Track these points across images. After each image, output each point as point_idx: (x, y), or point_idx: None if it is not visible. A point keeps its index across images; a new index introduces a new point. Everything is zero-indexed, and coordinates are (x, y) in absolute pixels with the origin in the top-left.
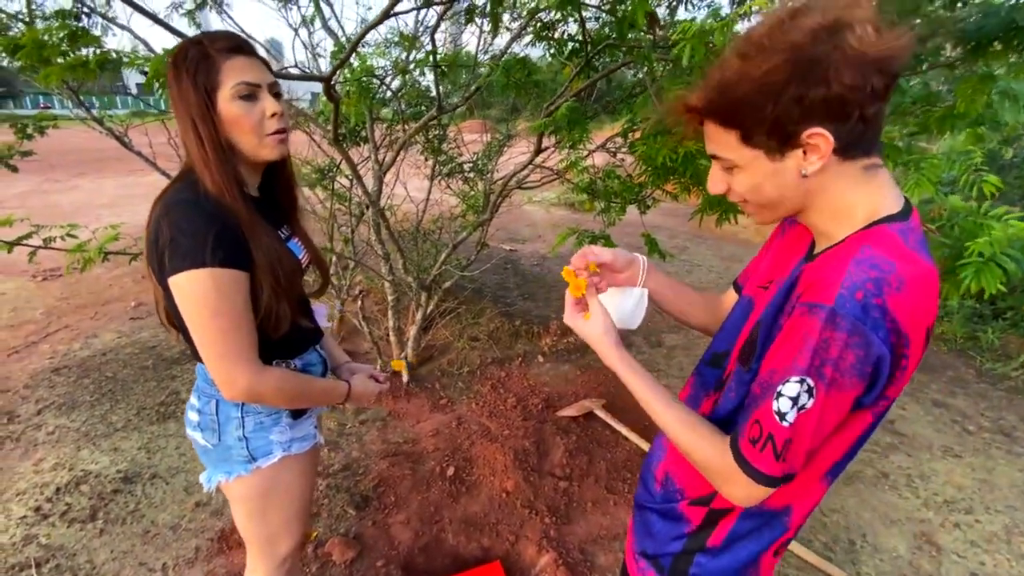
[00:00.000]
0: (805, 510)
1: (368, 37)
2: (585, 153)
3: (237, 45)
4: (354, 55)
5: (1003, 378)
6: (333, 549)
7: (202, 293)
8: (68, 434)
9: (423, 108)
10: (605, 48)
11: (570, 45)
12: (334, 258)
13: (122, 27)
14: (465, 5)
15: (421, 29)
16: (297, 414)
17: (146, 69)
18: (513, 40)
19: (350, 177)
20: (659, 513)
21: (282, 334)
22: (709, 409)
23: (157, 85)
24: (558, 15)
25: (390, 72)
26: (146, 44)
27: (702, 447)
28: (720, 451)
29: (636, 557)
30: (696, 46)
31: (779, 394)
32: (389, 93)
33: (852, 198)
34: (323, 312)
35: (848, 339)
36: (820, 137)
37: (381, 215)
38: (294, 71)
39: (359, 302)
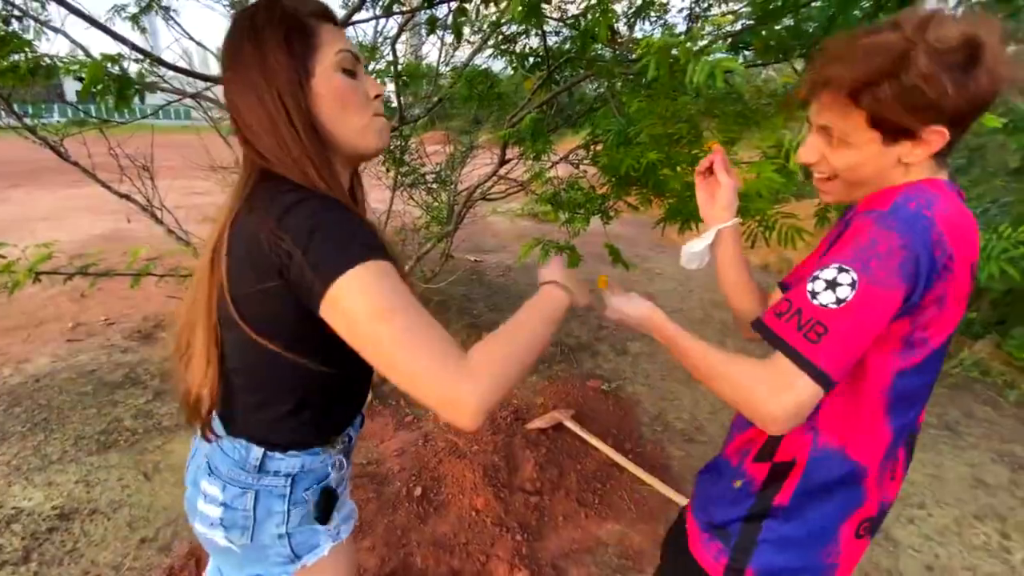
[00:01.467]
0: (875, 463)
1: None
2: (548, 165)
3: (326, 11)
4: None
5: (944, 375)
6: None
7: (376, 291)
8: None
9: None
10: (566, 62)
11: (531, 59)
12: None
13: (56, 31)
14: (426, 16)
15: (381, 39)
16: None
17: (83, 75)
18: (475, 52)
19: None
20: (720, 475)
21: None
22: None
23: (94, 92)
24: (519, 28)
25: None
26: (84, 50)
27: (741, 368)
28: (751, 362)
29: (700, 530)
30: (661, 60)
31: (815, 277)
32: None
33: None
34: None
35: (899, 238)
36: (939, 135)
37: None
38: None
39: None
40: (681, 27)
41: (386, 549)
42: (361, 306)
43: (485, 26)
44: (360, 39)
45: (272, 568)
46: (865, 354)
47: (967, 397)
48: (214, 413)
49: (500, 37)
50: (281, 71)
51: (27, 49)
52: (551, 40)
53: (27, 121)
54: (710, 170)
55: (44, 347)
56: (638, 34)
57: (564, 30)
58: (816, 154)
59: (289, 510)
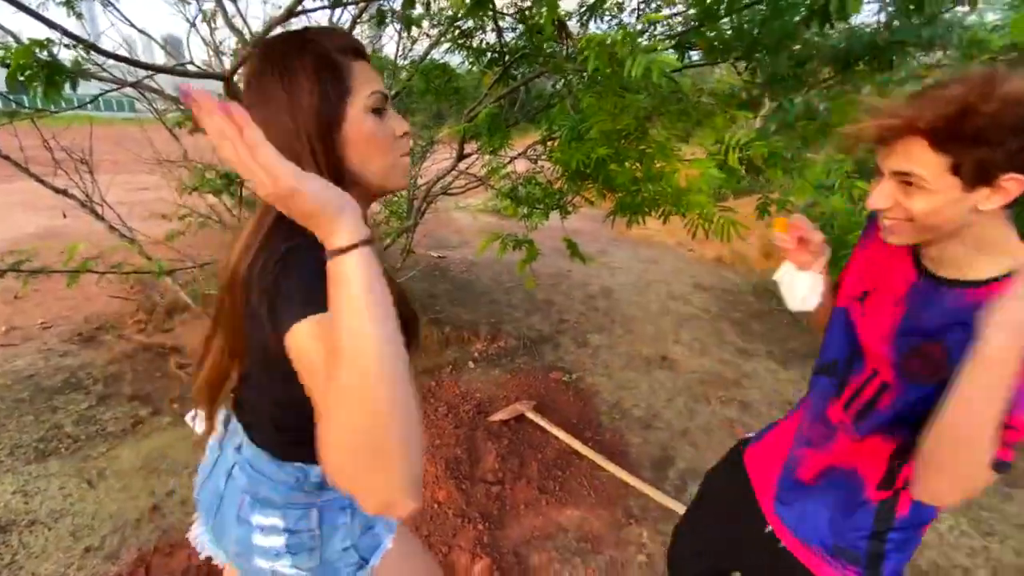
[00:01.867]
0: None
1: None
2: (507, 160)
3: (357, 47)
4: None
5: None
6: None
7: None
8: None
9: None
10: (522, 58)
11: (489, 55)
12: None
13: None
14: (376, 7)
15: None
16: None
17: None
18: (432, 46)
19: None
20: (833, 504)
21: None
22: (838, 416)
23: (22, 79)
24: (476, 23)
25: None
26: (15, 37)
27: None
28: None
29: (827, 555)
30: (600, 55)
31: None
32: None
33: (995, 235)
34: None
35: None
36: (1017, 183)
37: None
38: (191, 68)
39: None
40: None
41: None
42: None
43: (442, 20)
44: None
45: None
46: None
47: None
48: (247, 444)
49: (456, 32)
50: (313, 116)
51: None
52: (508, 36)
53: None
54: (800, 239)
55: None
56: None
57: (521, 26)
58: (890, 200)
59: (351, 521)
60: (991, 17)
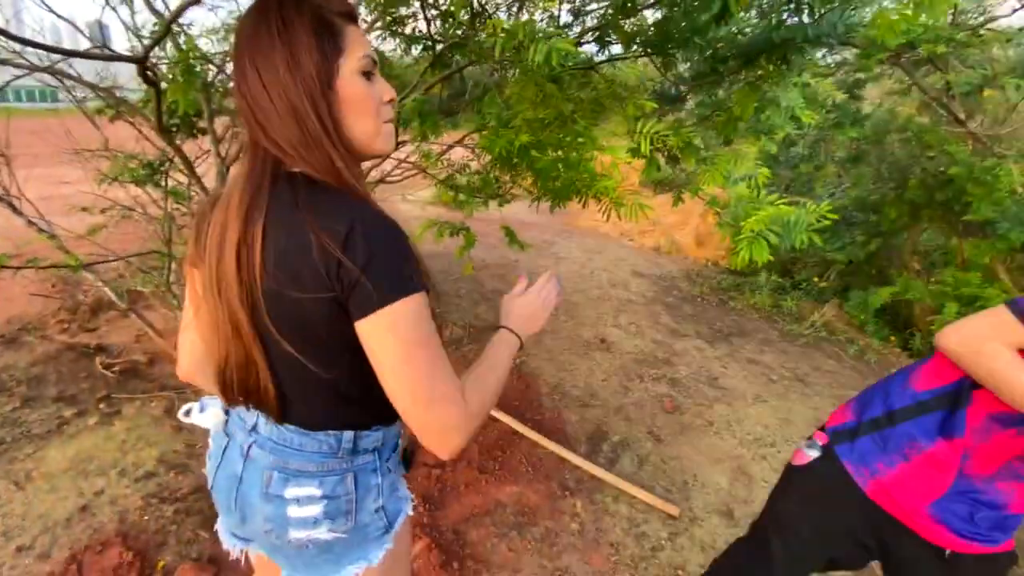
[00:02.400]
0: None
1: (207, 22)
2: (442, 148)
3: (350, 11)
4: (181, 38)
5: (799, 336)
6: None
7: (411, 325)
8: None
9: None
10: (454, 46)
11: (422, 43)
12: (174, 264)
13: None
14: None
15: None
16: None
17: None
18: (366, 32)
19: (186, 173)
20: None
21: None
22: None
23: None
24: (408, 11)
25: (227, 60)
26: None
27: None
28: None
29: (982, 542)
30: (505, 42)
31: None
32: (229, 84)
33: None
34: None
35: None
36: None
37: None
38: (106, 52)
39: None
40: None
41: None
42: (408, 333)
43: (375, 7)
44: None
45: (371, 545)
46: None
47: (816, 354)
48: (263, 423)
49: (389, 19)
50: (311, 70)
51: None
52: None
53: None
54: None
55: None
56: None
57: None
58: None
59: (381, 482)
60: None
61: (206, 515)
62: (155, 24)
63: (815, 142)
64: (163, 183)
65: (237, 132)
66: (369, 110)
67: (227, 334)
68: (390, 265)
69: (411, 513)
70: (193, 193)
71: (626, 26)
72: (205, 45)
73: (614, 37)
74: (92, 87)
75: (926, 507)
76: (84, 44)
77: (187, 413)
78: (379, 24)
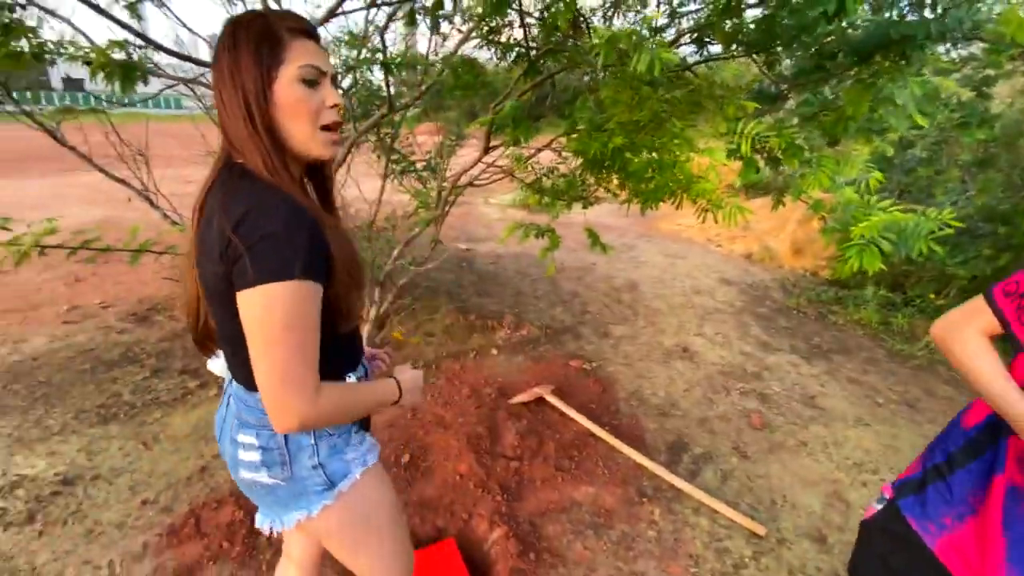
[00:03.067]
0: None
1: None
2: (532, 151)
3: (306, 28)
4: None
5: (910, 357)
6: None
7: (282, 310)
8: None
9: (375, 107)
10: (548, 53)
11: (516, 50)
12: None
13: (62, 19)
14: (409, 7)
15: (372, 28)
16: (365, 426)
17: (90, 60)
18: (462, 42)
19: None
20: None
21: (346, 331)
22: None
23: (102, 77)
24: (503, 20)
25: (339, 71)
26: (87, 37)
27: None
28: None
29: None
30: (609, 51)
31: None
32: (343, 92)
33: None
34: None
35: None
36: None
37: None
38: None
39: None
40: (662, 21)
41: None
42: (267, 316)
43: (471, 17)
44: (352, 28)
45: (313, 498)
46: None
47: (929, 377)
48: (231, 379)
49: (485, 28)
50: (248, 76)
51: (30, 36)
52: (535, 31)
53: (24, 107)
54: None
55: (41, 328)
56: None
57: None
58: None
59: (316, 443)
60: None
61: None
62: None
63: (936, 144)
64: None
65: (344, 138)
66: (302, 114)
67: (187, 289)
68: (274, 250)
69: (357, 476)
70: None
71: (727, 26)
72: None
73: (713, 38)
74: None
75: (1002, 566)
76: (205, 53)
77: (214, 361)
78: (475, 34)
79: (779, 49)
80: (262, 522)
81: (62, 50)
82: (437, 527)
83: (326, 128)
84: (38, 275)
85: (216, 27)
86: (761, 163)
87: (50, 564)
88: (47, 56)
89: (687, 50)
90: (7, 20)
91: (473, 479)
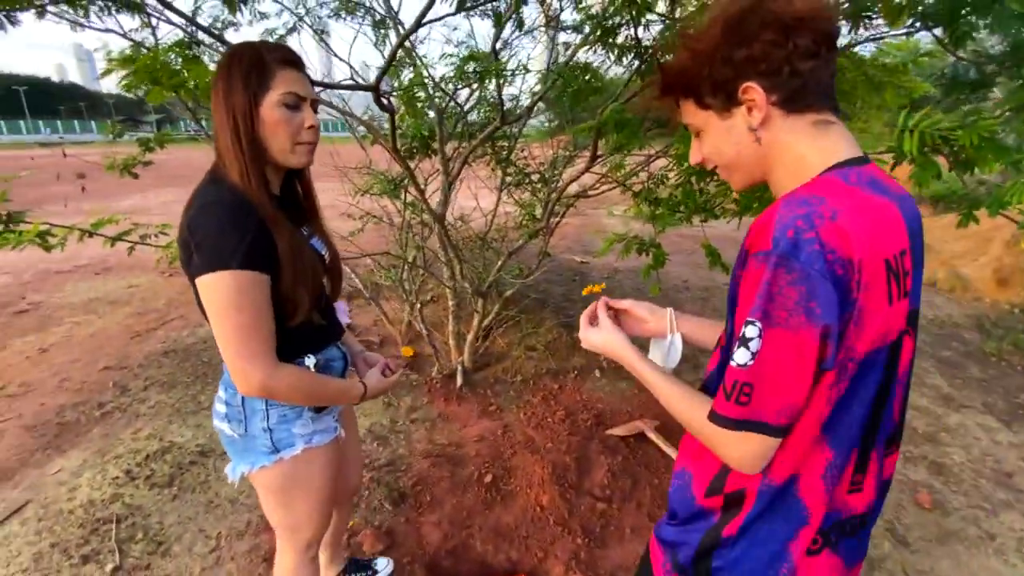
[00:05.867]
0: (814, 480)
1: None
2: (644, 158)
3: (291, 59)
4: (413, 67)
5: None
6: (364, 540)
7: (224, 293)
8: (164, 409)
9: (491, 120)
10: (665, 48)
11: (633, 51)
12: (406, 266)
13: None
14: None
15: (500, 44)
16: (319, 409)
17: None
18: (578, 48)
19: (415, 188)
20: (680, 511)
21: (298, 323)
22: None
23: None
24: (622, 20)
25: (458, 86)
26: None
27: (702, 420)
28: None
29: (659, 554)
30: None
31: (740, 339)
32: (458, 108)
33: (802, 150)
34: (343, 309)
35: (786, 277)
36: (752, 90)
37: (441, 224)
38: (346, 82)
39: (417, 307)
40: None
41: (450, 527)
42: (214, 301)
43: (587, 19)
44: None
45: (259, 456)
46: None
47: None
48: None
49: (600, 31)
50: (238, 98)
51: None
52: (655, 29)
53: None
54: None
55: None
56: None
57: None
58: (697, 153)
59: (267, 409)
60: None
61: (391, 488)
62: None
63: None
64: (402, 196)
65: (461, 152)
66: (281, 132)
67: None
68: (213, 242)
69: (292, 455)
70: (422, 207)
71: None
72: (440, 72)
73: (876, 11)
74: (354, 116)
75: None
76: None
77: None
78: (591, 37)
79: (969, 21)
80: (228, 469)
81: None
82: (510, 559)
83: (300, 143)
84: None
85: (363, 57)
86: (943, 166)
87: (174, 526)
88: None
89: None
90: (187, 56)
91: (554, 514)
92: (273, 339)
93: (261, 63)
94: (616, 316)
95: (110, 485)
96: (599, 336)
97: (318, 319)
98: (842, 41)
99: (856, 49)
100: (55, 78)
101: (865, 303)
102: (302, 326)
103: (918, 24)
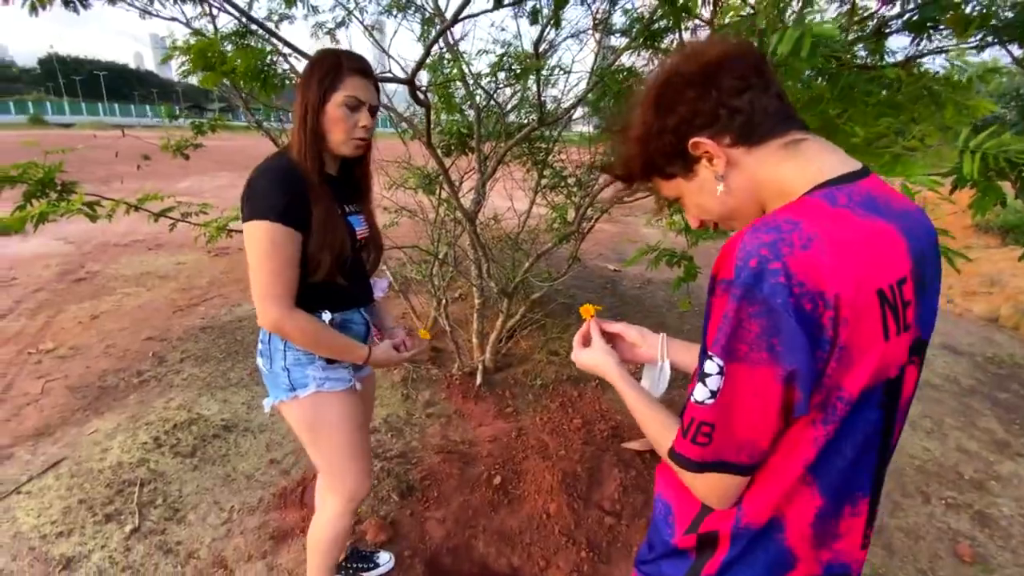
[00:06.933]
0: (802, 527)
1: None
2: None
3: (362, 68)
4: (453, 62)
5: None
6: (368, 529)
7: (258, 239)
8: (196, 382)
9: (530, 121)
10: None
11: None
12: (436, 261)
13: (287, 45)
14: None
15: (545, 45)
16: (331, 361)
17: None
18: (624, 50)
19: (447, 184)
20: (656, 544)
21: (320, 280)
22: None
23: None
24: (667, 23)
25: (499, 84)
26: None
27: (667, 444)
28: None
29: None
30: (740, 28)
31: (699, 374)
32: (497, 107)
33: (781, 174)
34: (383, 284)
35: (747, 309)
36: (701, 144)
37: (471, 223)
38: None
39: (443, 303)
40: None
41: (454, 525)
42: (252, 245)
43: (633, 24)
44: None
45: (281, 391)
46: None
47: None
48: None
49: (646, 34)
50: (311, 93)
51: (262, 61)
52: (702, 34)
53: (259, 121)
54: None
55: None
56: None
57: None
58: (692, 220)
59: (286, 351)
60: None
61: (401, 479)
62: (447, 58)
63: None
64: (437, 192)
65: (497, 150)
66: (338, 127)
67: None
68: (260, 197)
69: (307, 395)
70: (454, 203)
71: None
72: (478, 66)
73: (941, 22)
74: (395, 111)
75: None
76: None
77: None
78: (636, 42)
79: None
80: (265, 402)
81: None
82: (511, 564)
83: (353, 139)
84: None
85: (413, 53)
86: (1010, 192)
87: (192, 496)
88: (278, 79)
89: (898, 43)
90: (242, 45)
91: (560, 523)
92: (294, 287)
93: (337, 68)
94: (611, 339)
95: (139, 450)
96: (589, 356)
97: (341, 281)
98: (902, 50)
99: (923, 61)
100: (132, 65)
101: (852, 340)
102: (324, 284)
103: (991, 39)
